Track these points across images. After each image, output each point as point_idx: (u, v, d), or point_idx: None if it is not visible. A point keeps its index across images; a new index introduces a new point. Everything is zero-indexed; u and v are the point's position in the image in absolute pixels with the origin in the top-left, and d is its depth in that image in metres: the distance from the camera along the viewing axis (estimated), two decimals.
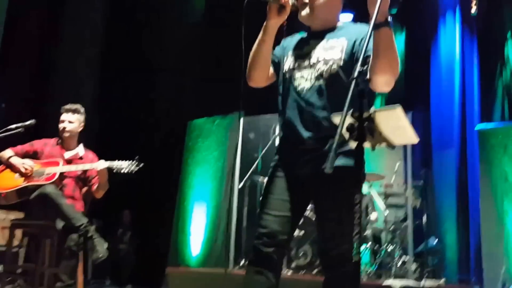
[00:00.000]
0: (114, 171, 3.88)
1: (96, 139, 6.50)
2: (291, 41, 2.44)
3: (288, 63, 2.33)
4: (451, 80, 6.02)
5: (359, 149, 2.00)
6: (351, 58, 2.19)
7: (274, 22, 2.24)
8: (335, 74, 2.17)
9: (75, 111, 4.16)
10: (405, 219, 5.29)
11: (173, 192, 6.74)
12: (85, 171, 4.08)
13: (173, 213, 6.65)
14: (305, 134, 2.21)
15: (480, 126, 5.50)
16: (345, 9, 7.22)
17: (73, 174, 4.05)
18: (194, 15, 7.80)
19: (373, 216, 5.23)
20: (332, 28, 2.34)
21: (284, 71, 2.34)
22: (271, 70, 2.40)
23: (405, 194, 5.21)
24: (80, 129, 4.22)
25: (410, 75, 6.45)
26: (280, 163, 2.30)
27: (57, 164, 4.00)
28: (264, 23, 2.25)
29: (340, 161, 2.10)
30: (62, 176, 4.00)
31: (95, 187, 4.10)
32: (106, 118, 7.44)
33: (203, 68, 7.34)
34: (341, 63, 2.19)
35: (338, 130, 1.90)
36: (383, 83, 2.09)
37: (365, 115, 2.02)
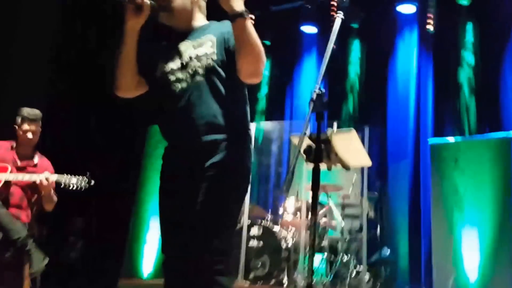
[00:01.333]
0: (62, 186, 3.76)
1: (51, 142, 6.35)
2: (155, 45, 2.36)
3: (160, 69, 2.22)
4: (407, 95, 6.24)
5: (316, 171, 2.11)
6: (222, 51, 2.16)
7: (132, 24, 2.14)
8: (211, 68, 2.12)
9: (35, 120, 3.98)
10: (360, 230, 5.45)
11: (130, 199, 6.64)
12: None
13: (129, 221, 6.56)
14: (195, 137, 2.11)
15: (432, 140, 5.73)
16: (308, 22, 7.31)
17: (21, 182, 3.86)
18: None
19: (333, 223, 5.37)
20: (196, 28, 2.28)
21: (156, 77, 2.23)
22: (140, 78, 2.28)
23: (361, 205, 5.37)
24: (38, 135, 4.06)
25: (367, 89, 6.67)
26: (170, 175, 2.24)
27: (5, 170, 3.83)
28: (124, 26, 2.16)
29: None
30: (9, 183, 3.82)
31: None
32: (60, 120, 7.26)
33: None
34: (215, 57, 2.14)
35: (296, 153, 2.00)
36: (249, 74, 2.11)
37: (322, 137, 2.13)
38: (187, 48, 2.20)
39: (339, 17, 2.21)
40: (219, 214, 2.06)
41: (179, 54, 2.20)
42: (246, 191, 2.22)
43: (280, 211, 5.42)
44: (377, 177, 5.86)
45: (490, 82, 5.82)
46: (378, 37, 6.67)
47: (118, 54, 2.18)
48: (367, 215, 5.34)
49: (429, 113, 6.14)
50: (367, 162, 2.28)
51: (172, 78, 2.17)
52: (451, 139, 5.69)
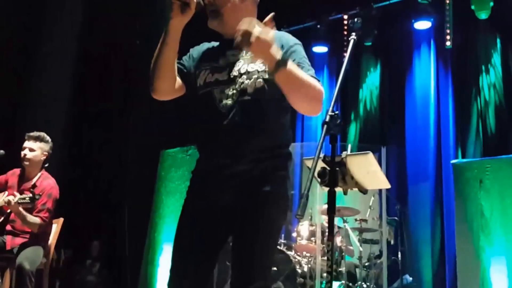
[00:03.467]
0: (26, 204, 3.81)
1: (64, 167, 6.46)
2: (201, 50, 2.23)
3: (203, 76, 2.11)
4: (426, 114, 6.20)
5: (331, 194, 2.09)
6: None
7: (177, 22, 2.01)
8: (261, 88, 2.03)
9: (37, 139, 4.09)
10: (380, 255, 5.37)
11: (144, 222, 6.73)
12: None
13: (143, 244, 6.63)
14: (229, 157, 2.03)
15: (455, 160, 5.66)
16: (319, 42, 7.37)
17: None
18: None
19: (350, 248, 5.31)
20: None
21: (198, 85, 2.12)
22: (179, 80, 2.15)
23: (380, 229, 5.30)
24: (43, 157, 4.13)
25: (385, 108, 6.64)
26: (197, 194, 2.12)
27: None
28: (167, 24, 2.04)
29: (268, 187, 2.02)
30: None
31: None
32: (77, 144, 7.42)
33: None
34: (266, 75, 2.03)
35: (310, 176, 1.97)
36: (307, 112, 2.12)
37: (337, 159, 2.11)
38: (237, 60, 2.09)
39: (352, 39, 2.20)
40: (265, 252, 2.00)
41: (227, 65, 2.09)
42: (284, 223, 2.16)
43: (294, 235, 5.37)
44: (396, 200, 5.79)
45: None
46: (394, 54, 6.68)
47: (158, 54, 2.05)
48: (387, 240, 5.26)
49: (451, 131, 6.09)
50: (385, 184, 2.25)
51: (217, 90, 2.06)
52: (475, 159, 5.63)
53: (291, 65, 1.87)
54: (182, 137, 6.85)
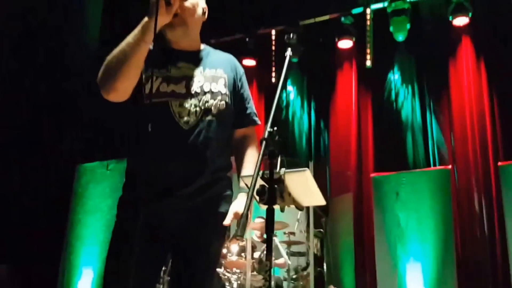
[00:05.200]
0: None
1: None
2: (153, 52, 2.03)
3: (155, 84, 1.93)
4: (348, 129, 6.34)
5: (270, 212, 2.03)
6: (232, 96, 2.04)
7: (162, 20, 1.84)
8: (223, 110, 1.98)
9: None
10: (306, 267, 5.39)
11: (58, 243, 6.24)
12: None
13: (58, 267, 6.18)
14: (187, 176, 1.92)
15: (374, 174, 5.84)
16: (247, 55, 7.23)
17: None
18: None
19: (280, 261, 5.28)
20: (198, 51, 2.08)
21: (148, 92, 1.87)
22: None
23: (307, 242, 5.33)
24: None
25: (310, 124, 6.74)
26: (133, 217, 1.89)
27: None
28: (146, 20, 1.83)
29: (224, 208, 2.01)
30: None
31: None
32: None
33: None
34: (227, 99, 2.00)
35: (249, 194, 1.91)
36: None
37: (276, 176, 2.06)
38: (198, 76, 1.99)
39: (287, 55, 2.19)
40: (212, 274, 2.01)
41: (183, 78, 1.96)
42: None
43: (224, 251, 5.27)
44: (322, 213, 5.86)
45: (429, 117, 6.05)
46: (318, 71, 6.81)
47: (130, 52, 1.82)
48: (314, 252, 5.30)
49: (370, 147, 6.26)
50: (321, 201, 2.22)
51: (175, 103, 1.92)
52: (392, 173, 5.82)
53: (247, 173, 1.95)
54: (101, 149, 6.49)
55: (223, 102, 1.98)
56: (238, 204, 1.94)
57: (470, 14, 5.66)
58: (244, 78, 2.13)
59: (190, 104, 1.93)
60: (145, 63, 1.92)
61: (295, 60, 6.69)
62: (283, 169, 2.24)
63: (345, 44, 6.40)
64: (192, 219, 1.93)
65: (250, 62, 6.78)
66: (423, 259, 5.30)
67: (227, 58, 2.13)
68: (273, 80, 6.76)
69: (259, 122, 2.15)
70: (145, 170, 1.89)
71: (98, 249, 6.02)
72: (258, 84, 6.87)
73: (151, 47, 1.89)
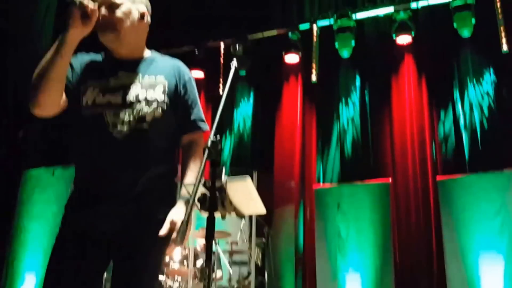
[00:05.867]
0: None
1: None
2: (83, 62, 2.04)
3: (91, 95, 1.93)
4: (293, 141, 6.38)
5: (210, 220, 1.99)
6: (173, 103, 1.98)
7: (77, 32, 1.80)
8: (159, 118, 1.93)
9: None
10: (248, 276, 5.35)
11: (1, 248, 6.00)
12: None
13: (0, 272, 5.92)
14: (122, 185, 1.88)
15: (317, 186, 5.90)
16: (196, 67, 7.18)
17: None
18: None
19: (218, 273, 5.23)
20: (140, 59, 2.05)
21: (85, 103, 1.92)
22: (64, 95, 1.94)
23: (249, 251, 5.30)
24: None
25: (256, 135, 6.74)
26: (74, 223, 1.91)
27: None
28: (63, 33, 1.81)
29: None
30: None
31: None
32: None
33: None
34: (165, 107, 1.95)
35: (190, 202, 1.86)
36: None
37: (217, 184, 2.02)
38: (135, 84, 1.94)
39: (232, 65, 2.18)
40: (152, 283, 1.92)
41: (121, 87, 1.93)
42: None
43: (166, 259, 5.16)
44: (265, 223, 5.85)
45: (370, 132, 6.17)
46: (266, 84, 6.83)
47: (49, 66, 1.80)
48: (255, 261, 5.27)
49: (313, 159, 6.32)
50: (261, 210, 2.20)
51: (110, 113, 1.89)
52: (334, 185, 5.90)
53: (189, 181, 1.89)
54: (47, 155, 6.29)
55: (159, 109, 1.93)
56: (175, 213, 1.86)
57: (413, 33, 5.84)
58: (189, 84, 2.05)
59: (125, 113, 1.90)
60: (84, 74, 1.95)
61: (243, 72, 6.71)
62: (224, 177, 2.21)
63: (292, 58, 6.44)
64: (129, 227, 1.86)
65: (198, 74, 6.74)
66: (362, 269, 5.38)
67: (172, 64, 2.06)
68: (221, 91, 6.74)
69: (205, 128, 2.07)
70: (84, 179, 1.93)
71: (42, 255, 5.85)
72: (206, 96, 6.82)
73: (101, 57, 1.94)
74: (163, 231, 1.79)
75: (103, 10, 1.93)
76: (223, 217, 2.30)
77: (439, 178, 5.40)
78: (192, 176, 1.93)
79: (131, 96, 1.93)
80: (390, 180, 5.63)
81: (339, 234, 5.63)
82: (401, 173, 5.70)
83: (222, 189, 2.08)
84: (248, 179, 2.17)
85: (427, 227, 5.44)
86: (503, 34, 5.50)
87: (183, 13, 6.71)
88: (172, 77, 2.01)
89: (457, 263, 4.97)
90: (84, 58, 2.05)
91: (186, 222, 1.82)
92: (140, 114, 1.91)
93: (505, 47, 5.48)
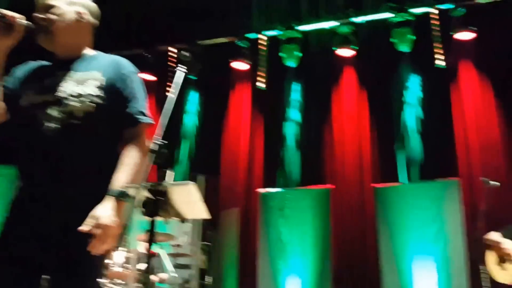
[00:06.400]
0: None
1: None
2: (27, 69, 2.01)
3: (27, 98, 1.88)
4: (239, 146, 6.39)
5: (152, 224, 1.95)
6: (110, 97, 1.89)
7: (4, 43, 1.80)
8: (92, 113, 1.84)
9: None
10: (191, 279, 5.29)
11: None
12: None
13: None
14: (56, 185, 1.80)
15: (262, 190, 5.93)
16: (147, 70, 7.08)
17: None
18: None
19: (163, 276, 5.13)
20: (80, 57, 2.00)
21: (21, 106, 1.87)
22: (2, 105, 1.89)
23: (193, 254, 5.24)
24: None
25: (204, 140, 6.71)
26: (17, 223, 1.81)
27: None
28: None
29: None
30: None
31: None
32: None
33: None
34: (99, 100, 1.86)
35: (131, 205, 1.82)
36: None
37: (160, 189, 1.99)
38: (67, 81, 1.88)
39: (180, 71, 2.16)
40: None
41: (55, 87, 1.87)
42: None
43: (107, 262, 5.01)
44: (210, 226, 5.81)
45: (313, 140, 6.28)
46: (214, 90, 6.81)
47: None
48: (199, 264, 5.23)
49: (259, 165, 6.35)
50: (204, 215, 2.19)
51: (42, 112, 1.82)
52: (278, 189, 5.95)
53: (122, 182, 1.77)
54: None
55: (91, 104, 1.84)
56: (101, 209, 1.71)
57: (354, 47, 6.00)
58: (130, 79, 1.95)
59: (56, 110, 1.84)
60: (27, 80, 1.92)
61: (192, 77, 6.66)
62: (168, 182, 2.19)
63: (240, 66, 6.47)
64: (66, 231, 1.75)
65: (149, 77, 6.65)
66: (302, 273, 5.45)
67: (112, 60, 1.98)
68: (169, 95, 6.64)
69: (144, 121, 1.93)
70: (22, 182, 1.85)
71: None
72: (156, 99, 6.73)
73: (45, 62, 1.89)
74: (84, 227, 1.66)
75: (38, 14, 1.91)
76: (165, 221, 2.28)
77: (376, 186, 5.56)
78: (123, 172, 1.80)
79: (63, 93, 1.86)
80: (331, 186, 5.74)
81: (281, 239, 5.69)
82: (341, 180, 5.83)
83: (165, 194, 2.06)
84: (192, 185, 2.16)
85: (364, 233, 5.58)
86: (438, 51, 5.75)
87: (135, 17, 6.60)
88: (109, 72, 1.93)
89: (391, 268, 5.14)
90: (30, 64, 2.02)
91: (124, 226, 1.78)
92: (71, 109, 1.83)
93: (440, 63, 5.74)
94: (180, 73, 2.16)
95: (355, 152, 5.87)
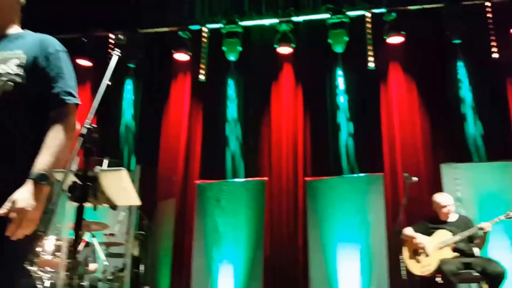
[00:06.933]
0: None
1: None
2: None
3: None
4: (178, 137, 6.33)
5: (80, 210, 1.91)
6: (32, 76, 1.81)
7: None
8: (11, 92, 1.76)
9: None
10: (123, 268, 5.21)
11: None
12: None
13: None
14: None
15: (199, 181, 5.92)
16: (84, 55, 6.75)
17: None
18: None
19: (92, 267, 5.02)
20: (5, 36, 1.93)
21: None
22: None
23: (127, 244, 5.16)
24: None
25: (142, 131, 6.60)
26: None
27: None
28: None
29: None
30: None
31: None
32: None
33: None
34: (19, 79, 1.77)
35: (58, 190, 1.76)
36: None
37: (90, 174, 1.95)
38: None
39: (115, 55, 2.11)
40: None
41: None
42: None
43: (38, 250, 4.83)
44: (145, 216, 5.73)
45: (251, 133, 6.34)
46: (154, 80, 6.71)
47: None
48: (132, 254, 5.15)
49: (197, 156, 6.32)
50: (135, 201, 2.16)
51: None
52: (215, 181, 5.96)
53: (43, 165, 1.67)
54: None
55: (9, 83, 1.75)
56: (20, 192, 1.62)
57: (293, 45, 6.09)
58: (54, 57, 1.86)
59: None
60: None
61: (132, 65, 6.53)
62: (98, 167, 2.14)
63: (181, 57, 6.40)
64: None
65: (86, 63, 6.43)
66: (235, 261, 5.51)
67: (39, 38, 1.89)
68: (108, 82, 6.46)
69: (71, 101, 1.84)
70: None
71: None
72: (92, 85, 6.53)
73: None
74: (1, 211, 1.59)
75: None
76: (94, 208, 2.23)
77: (307, 179, 5.70)
78: (45, 154, 1.70)
79: None
80: (266, 178, 5.82)
81: (217, 229, 5.71)
82: (276, 173, 5.93)
83: (95, 179, 2.01)
84: (124, 171, 2.12)
85: (295, 223, 5.72)
86: (370, 53, 5.96)
87: (73, 1, 6.36)
88: (33, 51, 1.84)
89: (318, 255, 5.32)
90: None
91: (51, 210, 1.72)
92: None
93: (371, 64, 5.95)
94: (115, 57, 2.12)
95: (290, 147, 5.97)
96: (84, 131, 1.84)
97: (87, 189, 1.91)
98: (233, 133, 6.39)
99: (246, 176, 6.17)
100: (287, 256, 5.60)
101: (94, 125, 1.88)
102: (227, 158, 6.32)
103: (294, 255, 5.60)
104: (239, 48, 6.17)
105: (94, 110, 1.95)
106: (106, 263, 4.95)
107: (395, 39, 5.82)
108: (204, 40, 6.49)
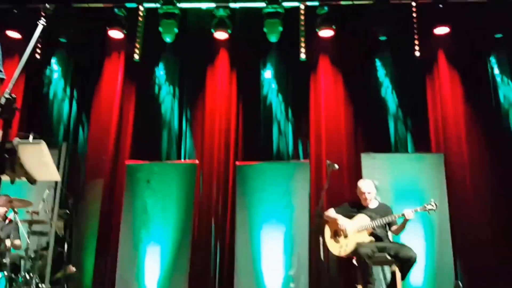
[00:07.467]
0: None
1: None
2: None
3: None
4: (109, 117, 6.15)
5: None
6: None
7: None
8: None
9: None
10: (47, 247, 5.03)
11: None
12: None
13: None
14: None
15: (129, 162, 5.79)
16: (13, 27, 6.42)
17: None
18: None
19: (17, 242, 4.81)
20: None
21: None
22: None
23: (51, 221, 4.98)
24: None
25: (73, 108, 6.36)
26: None
27: None
28: None
29: None
30: None
31: None
32: None
33: None
34: None
35: None
36: None
37: (8, 146, 1.86)
38: None
39: (41, 24, 2.02)
40: None
41: None
42: None
43: None
44: (71, 194, 5.54)
45: (185, 116, 6.28)
46: (86, 56, 6.45)
47: None
48: (56, 232, 4.98)
49: (128, 136, 6.19)
50: (55, 177, 2.09)
51: None
52: (146, 162, 5.86)
53: None
54: None
55: None
56: None
57: (229, 31, 6.08)
58: None
59: None
60: None
61: (63, 40, 6.24)
62: (16, 139, 2.04)
63: (116, 34, 6.20)
64: None
65: (15, 35, 6.08)
66: (163, 242, 5.46)
67: None
68: (37, 56, 6.18)
69: None
70: None
71: None
72: (20, 58, 6.16)
73: None
74: None
75: None
76: (12, 181, 2.13)
77: (238, 163, 5.76)
78: None
79: None
80: (198, 161, 5.80)
81: (146, 209, 5.63)
82: (207, 156, 5.94)
83: (13, 152, 1.92)
84: (43, 144, 2.04)
85: (224, 206, 5.77)
86: (302, 44, 6.06)
87: None
88: None
89: (244, 236, 5.41)
90: None
91: None
92: None
93: (302, 56, 6.06)
94: (40, 26, 2.04)
95: (223, 131, 5.99)
96: (3, 101, 1.76)
97: (4, 162, 1.83)
98: (166, 114, 6.30)
99: (178, 159, 6.12)
100: (215, 238, 5.65)
101: (14, 95, 1.80)
102: (159, 139, 6.24)
103: (222, 236, 5.66)
104: (176, 30, 6.07)
105: (14, 80, 1.87)
106: (29, 241, 4.76)
107: (326, 33, 5.96)
108: (140, 19, 6.33)
